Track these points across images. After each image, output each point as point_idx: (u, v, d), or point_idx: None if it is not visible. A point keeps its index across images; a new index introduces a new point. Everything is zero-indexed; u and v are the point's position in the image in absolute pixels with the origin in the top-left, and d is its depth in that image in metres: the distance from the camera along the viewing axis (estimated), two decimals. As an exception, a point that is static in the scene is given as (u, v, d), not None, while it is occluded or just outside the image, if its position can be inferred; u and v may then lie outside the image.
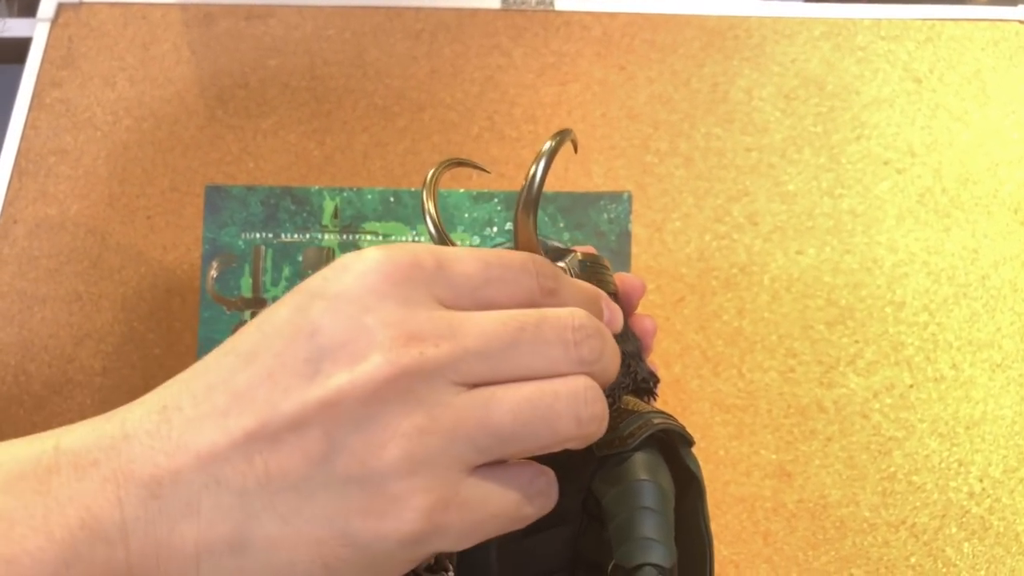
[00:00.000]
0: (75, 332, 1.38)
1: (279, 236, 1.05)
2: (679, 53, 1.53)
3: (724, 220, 1.42)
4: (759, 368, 1.36)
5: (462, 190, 1.14)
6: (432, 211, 0.70)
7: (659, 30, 1.54)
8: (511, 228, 1.11)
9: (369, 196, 1.06)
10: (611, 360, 0.47)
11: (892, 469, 1.36)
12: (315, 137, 1.50)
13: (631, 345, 0.73)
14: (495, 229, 1.15)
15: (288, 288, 1.08)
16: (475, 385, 0.42)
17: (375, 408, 0.38)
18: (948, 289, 1.40)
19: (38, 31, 1.55)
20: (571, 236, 1.09)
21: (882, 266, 1.42)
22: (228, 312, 1.06)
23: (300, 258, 1.04)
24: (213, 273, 1.05)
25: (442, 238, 0.69)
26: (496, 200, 1.10)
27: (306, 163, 1.44)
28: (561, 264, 0.69)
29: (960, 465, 1.34)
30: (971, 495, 1.33)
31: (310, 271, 1.05)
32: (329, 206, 1.04)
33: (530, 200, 0.60)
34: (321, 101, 1.52)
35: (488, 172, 0.76)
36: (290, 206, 1.05)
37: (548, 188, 1.32)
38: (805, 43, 1.51)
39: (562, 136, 0.61)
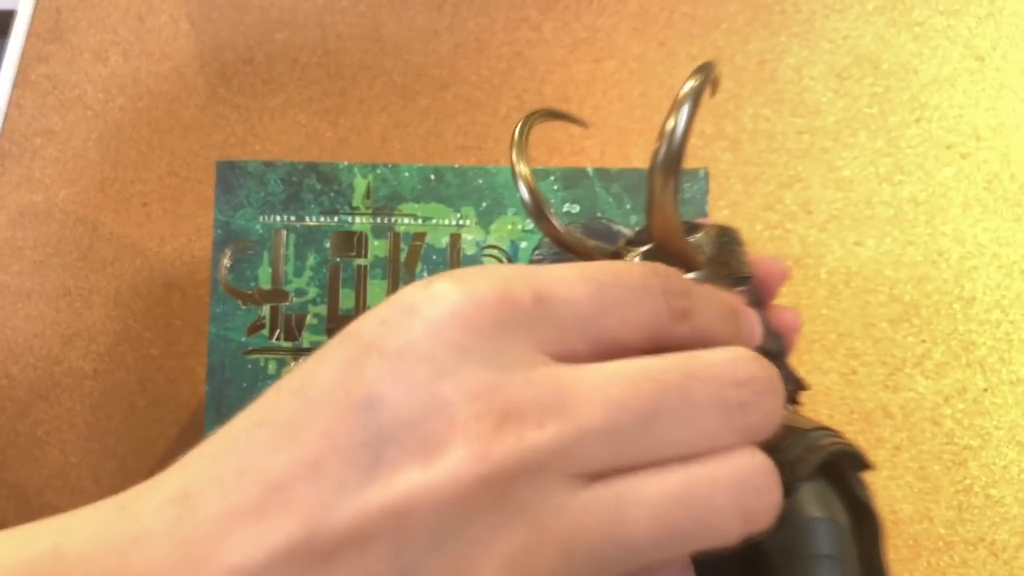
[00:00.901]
0: (63, 331, 1.25)
1: (303, 219, 0.92)
2: (722, 28, 1.42)
3: (776, 208, 1.30)
4: (818, 370, 1.24)
5: (506, 165, 1.02)
6: (525, 173, 0.58)
7: (700, 3, 1.42)
8: (569, 210, 0.99)
9: (407, 174, 0.94)
10: (777, 416, 0.34)
11: (968, 481, 1.25)
12: (328, 117, 1.37)
13: (774, 344, 0.61)
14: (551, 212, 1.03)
15: (314, 280, 0.95)
16: (598, 477, 0.30)
17: (460, 519, 0.28)
18: (1021, 284, 1.28)
19: (23, 1, 1.41)
20: (639, 220, 0.97)
21: (948, 259, 1.30)
22: (244, 307, 0.93)
23: (327, 244, 0.92)
24: (226, 262, 0.92)
25: (538, 208, 0.57)
26: (552, 178, 0.97)
27: (318, 145, 1.31)
28: (696, 237, 0.58)
29: (1039, 475, 1.23)
30: (1052, 508, 1.22)
31: (339, 259, 0.92)
32: (361, 184, 0.92)
33: (671, 160, 0.48)
34: (334, 78, 1.39)
35: (586, 126, 0.64)
36: (315, 185, 0.93)
37: (606, 163, 1.20)
38: (857, 18, 1.39)
39: (706, 71, 0.49)
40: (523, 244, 1.06)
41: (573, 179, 1.00)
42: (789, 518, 0.48)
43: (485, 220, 1.02)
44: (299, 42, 1.41)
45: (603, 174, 1.00)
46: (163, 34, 1.37)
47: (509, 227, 1.03)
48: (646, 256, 0.59)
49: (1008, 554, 1.23)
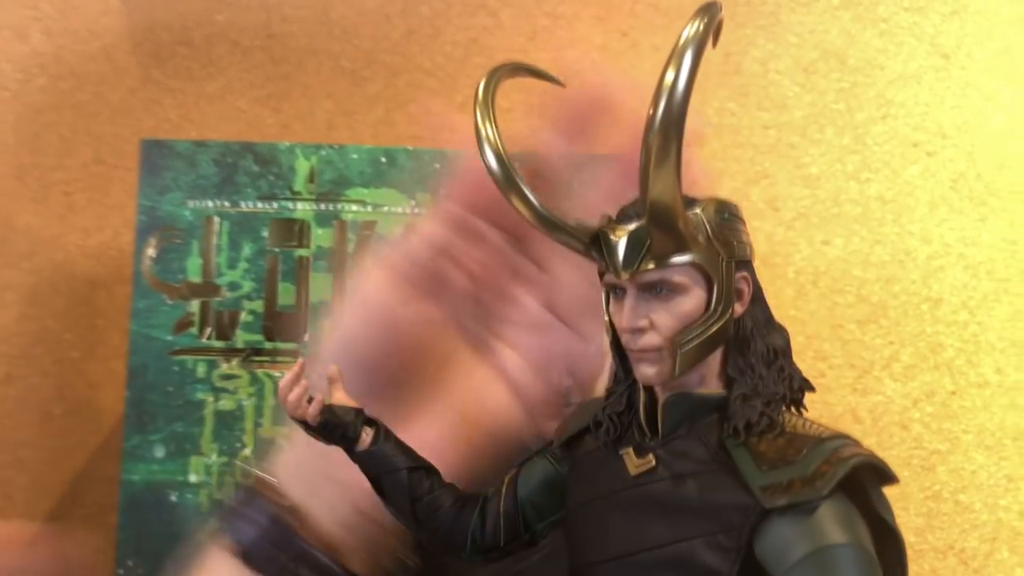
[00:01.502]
0: (-29, 331, 1.14)
1: (238, 205, 0.84)
2: (687, 18, 1.36)
3: (742, 205, 1.25)
4: (787, 372, 1.19)
5: (459, 151, 0.95)
6: (491, 137, 0.51)
7: (664, -6, 1.37)
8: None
9: (355, 156, 0.86)
10: None
11: (937, 487, 1.22)
12: (270, 103, 1.29)
13: (780, 339, 0.56)
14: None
15: (249, 272, 0.87)
16: None
17: None
18: (988, 284, 1.26)
19: (-68, -30, 1.29)
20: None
21: (916, 259, 1.27)
22: (171, 301, 0.84)
23: (265, 233, 0.83)
24: (151, 252, 0.83)
25: (509, 179, 0.50)
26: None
27: (259, 133, 1.22)
28: (694, 212, 0.52)
29: (1009, 481, 1.20)
30: (1022, 515, 1.19)
31: (278, 250, 0.84)
32: (303, 167, 0.84)
33: (671, 119, 0.43)
34: (278, 63, 1.30)
35: (562, 84, 0.57)
36: (252, 167, 0.85)
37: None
38: (824, 12, 1.36)
39: (709, 14, 0.43)
40: (482, 235, 1.00)
41: (526, 163, 0.94)
42: (810, 541, 0.42)
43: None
44: (241, 23, 1.32)
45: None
46: (90, 10, 1.26)
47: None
48: (636, 234, 0.52)
49: (978, 562, 1.20)
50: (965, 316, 1.25)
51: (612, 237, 0.53)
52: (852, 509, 0.43)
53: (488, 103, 0.50)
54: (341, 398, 0.76)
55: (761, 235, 1.25)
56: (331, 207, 0.86)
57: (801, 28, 1.37)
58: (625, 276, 0.53)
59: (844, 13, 1.38)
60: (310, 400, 0.63)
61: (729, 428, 0.52)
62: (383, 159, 0.88)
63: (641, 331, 0.53)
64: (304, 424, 0.72)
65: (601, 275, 0.57)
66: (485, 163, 0.46)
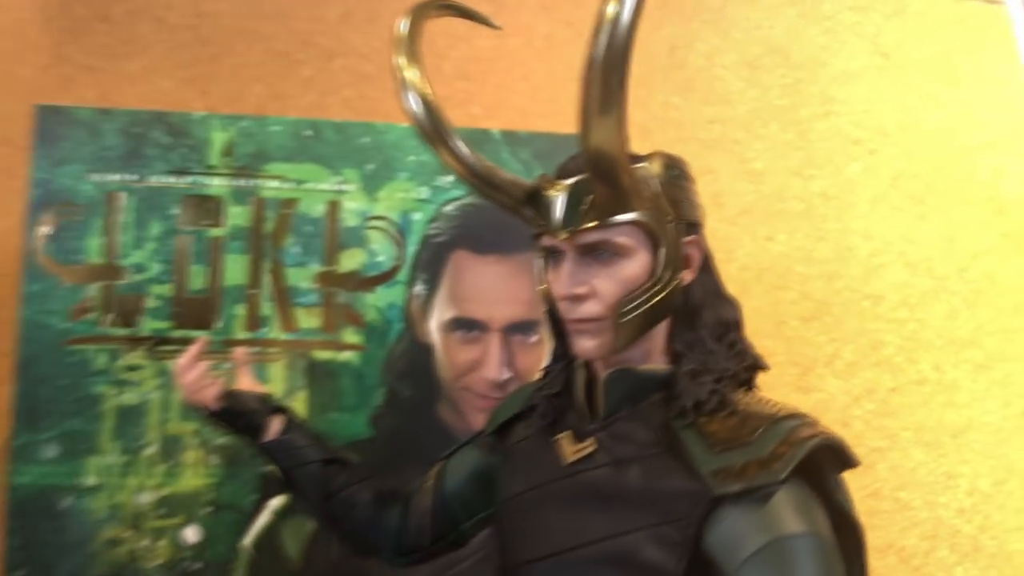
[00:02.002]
0: None
1: (146, 179, 0.77)
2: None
3: (686, 200, 1.24)
4: (730, 369, 1.17)
5: (405, 124, 0.89)
6: (415, 81, 0.46)
7: (610, -16, 1.33)
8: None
9: (276, 127, 0.80)
10: None
11: (877, 485, 1.20)
12: (197, 85, 1.21)
13: (731, 311, 0.52)
14: (450, 178, 0.89)
15: (157, 253, 0.79)
16: None
17: None
18: (927, 282, 1.26)
19: None
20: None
21: (857, 256, 1.26)
22: (67, 284, 0.77)
23: (175, 210, 0.76)
24: (45, 230, 0.76)
25: (436, 129, 0.45)
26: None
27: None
28: (640, 167, 0.48)
29: (948, 478, 1.20)
30: (961, 512, 1.19)
31: (189, 229, 0.77)
32: (219, 139, 0.78)
33: (615, 56, 0.38)
34: (206, 43, 1.23)
35: (498, 27, 0.53)
36: (163, 138, 0.78)
37: (517, 125, 1.08)
38: (769, 8, 1.34)
39: None
40: (416, 215, 0.93)
41: (475, 142, 0.88)
42: (765, 531, 0.38)
43: (371, 185, 0.90)
44: (166, 0, 1.25)
45: (511, 137, 0.89)
46: (-3, -22, 1.18)
47: (400, 195, 0.90)
48: (576, 189, 0.48)
49: (918, 560, 1.19)
50: (905, 313, 1.25)
51: (550, 192, 0.49)
52: (810, 495, 0.39)
53: (411, 43, 0.45)
54: (248, 383, 0.70)
55: (705, 230, 1.23)
56: (249, 183, 0.80)
57: (747, 23, 1.35)
58: (563, 236, 0.49)
59: (789, 10, 1.37)
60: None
61: (676, 407, 0.48)
62: (307, 132, 0.82)
63: (580, 299, 0.49)
64: (205, 411, 0.66)
65: (536, 238, 0.53)
66: (407, 110, 0.41)
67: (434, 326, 0.94)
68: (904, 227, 1.28)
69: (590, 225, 0.47)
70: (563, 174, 0.50)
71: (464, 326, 0.94)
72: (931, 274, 1.27)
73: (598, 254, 0.49)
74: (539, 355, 0.91)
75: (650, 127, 1.27)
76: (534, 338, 0.92)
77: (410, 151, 0.88)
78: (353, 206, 0.86)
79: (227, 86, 1.22)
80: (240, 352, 0.64)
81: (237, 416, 0.63)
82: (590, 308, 0.49)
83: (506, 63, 1.26)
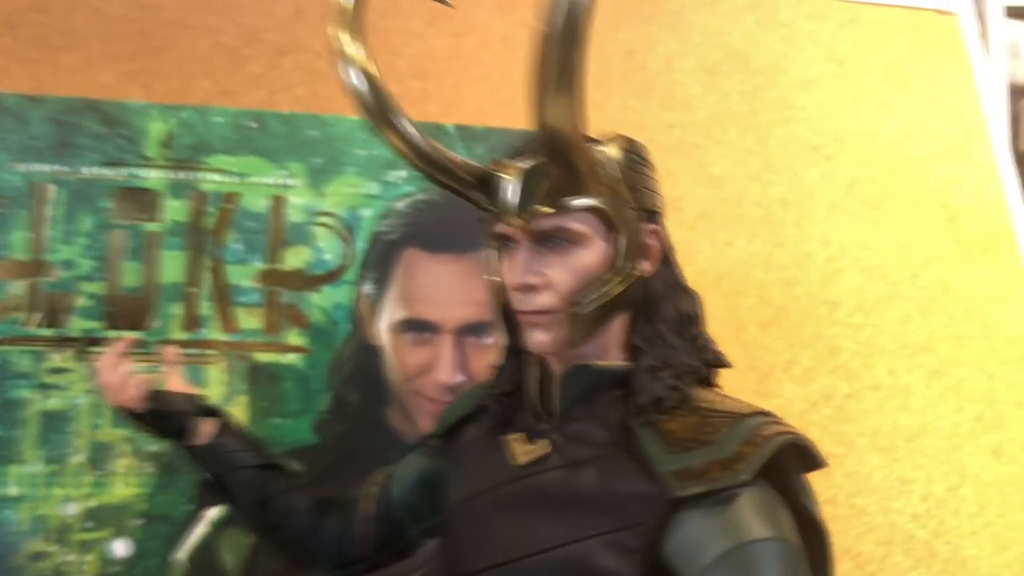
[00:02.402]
0: None
1: (77, 170, 0.73)
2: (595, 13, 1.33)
3: (644, 204, 1.22)
4: (688, 375, 1.15)
5: (355, 116, 0.85)
6: (358, 58, 0.43)
7: (568, -15, 1.32)
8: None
9: (218, 119, 0.76)
10: None
11: (833, 491, 1.20)
12: (139, 80, 1.16)
13: (691, 304, 0.49)
14: (402, 173, 0.86)
15: (89, 249, 0.74)
16: None
17: None
18: (881, 288, 1.26)
19: None
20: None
21: (815, 261, 1.26)
22: (-14, 279, 0.72)
23: (109, 203, 0.72)
24: (-37, 220, 0.71)
25: (381, 109, 0.42)
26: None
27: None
28: (598, 150, 0.46)
29: (903, 484, 1.20)
30: (915, 517, 1.19)
31: (123, 223, 0.73)
32: (157, 130, 0.73)
33: (573, 26, 0.36)
34: (149, 36, 1.18)
35: (452, 6, 0.51)
36: (96, 127, 0.73)
37: (475, 120, 1.04)
38: (728, 14, 1.35)
39: None
40: (366, 212, 0.89)
41: (428, 135, 0.87)
42: (729, 536, 0.35)
43: (318, 180, 0.85)
44: (108, -9, 1.20)
45: (466, 132, 0.87)
46: (-76, -37, 1.12)
47: (349, 190, 0.86)
48: (530, 172, 0.45)
49: (874, 566, 1.18)
50: (860, 319, 1.25)
51: (502, 176, 0.46)
52: (775, 497, 0.37)
53: (356, 16, 0.42)
54: (178, 384, 0.66)
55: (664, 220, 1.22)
56: (188, 176, 0.75)
57: (706, 28, 1.35)
58: (516, 222, 0.46)
59: (748, 16, 1.37)
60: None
61: (634, 405, 0.45)
62: (252, 124, 0.78)
63: (533, 289, 0.46)
64: (128, 413, 0.61)
65: (487, 225, 0.51)
66: (347, 85, 0.38)
67: (383, 327, 0.90)
68: (860, 233, 1.28)
69: (544, 210, 0.45)
70: (516, 157, 0.47)
71: (415, 327, 0.90)
72: (886, 280, 1.28)
73: (553, 242, 0.46)
74: (493, 358, 0.88)
75: (607, 130, 1.26)
76: (488, 340, 0.89)
77: (359, 144, 0.85)
78: (298, 201, 0.82)
79: (170, 81, 1.17)
80: (170, 351, 0.60)
81: (164, 418, 0.59)
82: (543, 299, 0.46)
83: (463, 63, 1.24)
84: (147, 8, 1.20)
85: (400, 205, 0.88)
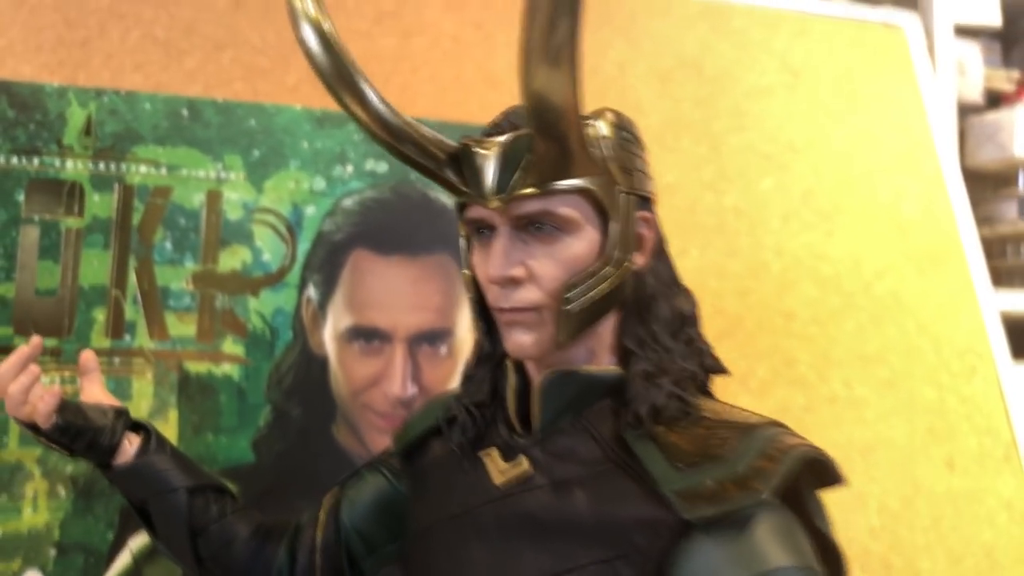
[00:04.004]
0: None
1: (-16, 159, 0.65)
2: (544, 17, 1.29)
3: (599, 211, 1.19)
4: (645, 387, 1.12)
5: (299, 106, 0.79)
6: (314, 15, 0.38)
7: (521, -13, 1.29)
8: (375, 170, 0.77)
9: (147, 105, 0.69)
10: None
11: (791, 505, 1.18)
12: (62, 72, 1.08)
13: (687, 302, 0.45)
14: (349, 169, 0.80)
15: (5, 256, 0.66)
16: None
17: None
18: (835, 299, 1.26)
19: None
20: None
21: (770, 271, 1.25)
22: None
23: (20, 196, 0.65)
24: None
25: (340, 71, 0.38)
26: (353, 125, 0.76)
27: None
28: (589, 124, 0.41)
29: (858, 498, 1.18)
30: (871, 531, 1.18)
31: (37, 218, 0.66)
32: (78, 116, 0.66)
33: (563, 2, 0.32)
34: (74, 26, 1.10)
35: None
36: (7, 112, 0.66)
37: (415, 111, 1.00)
38: (681, 20, 1.33)
39: None
40: (309, 209, 0.81)
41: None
42: (748, 568, 0.31)
43: (257, 174, 0.78)
44: (28, -24, 1.12)
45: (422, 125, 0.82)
46: None
47: (291, 185, 0.78)
48: (511, 146, 0.40)
49: (832, 583, 1.17)
50: (815, 330, 1.24)
51: (479, 151, 0.41)
52: (793, 519, 0.33)
53: None
54: (96, 394, 0.57)
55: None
56: (113, 167, 0.68)
57: (659, 35, 1.34)
58: (495, 204, 0.41)
59: (701, 23, 1.36)
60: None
61: (629, 415, 0.40)
62: (184, 111, 0.72)
63: (515, 282, 0.41)
64: (35, 429, 0.53)
65: (460, 210, 0.45)
66: (305, 48, 0.33)
67: (329, 335, 0.84)
68: (814, 244, 1.28)
69: (528, 191, 0.40)
70: (495, 131, 0.42)
71: (364, 335, 0.84)
72: (840, 291, 1.27)
73: (537, 229, 0.41)
74: (449, 369, 0.83)
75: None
76: (443, 349, 0.83)
77: (303, 136, 0.79)
78: (236, 197, 0.76)
79: (98, 74, 1.09)
80: (86, 355, 0.53)
81: (78, 435, 0.52)
82: (527, 295, 0.41)
83: (411, 63, 1.19)
84: (71, -5, 1.11)
85: (348, 202, 0.83)
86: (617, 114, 0.43)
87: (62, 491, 0.72)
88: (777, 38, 1.38)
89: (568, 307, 0.40)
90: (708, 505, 0.33)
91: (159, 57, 1.12)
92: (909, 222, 1.33)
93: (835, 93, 1.37)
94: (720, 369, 0.45)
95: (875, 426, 1.21)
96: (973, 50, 1.54)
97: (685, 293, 0.45)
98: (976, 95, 1.54)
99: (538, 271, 0.41)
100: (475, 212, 0.42)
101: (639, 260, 0.44)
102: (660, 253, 0.46)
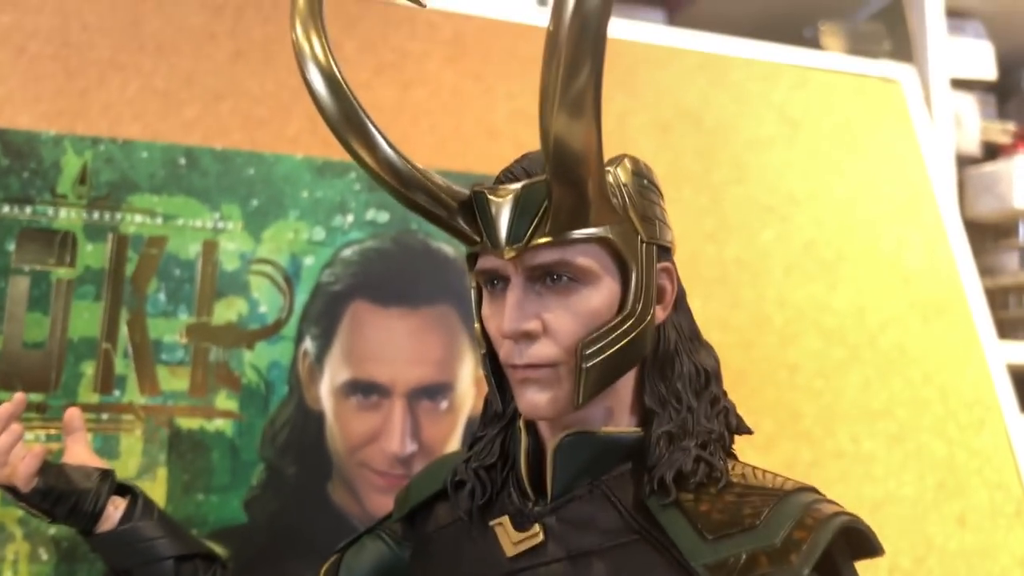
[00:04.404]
0: None
1: (-25, 208, 0.63)
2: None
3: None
4: (648, 442, 1.09)
5: (299, 155, 0.77)
6: (320, 54, 0.37)
7: (520, 39, 1.30)
8: (375, 219, 0.75)
9: (144, 154, 0.68)
10: None
11: (801, 565, 1.14)
12: (60, 121, 1.08)
13: (710, 358, 0.43)
14: (350, 218, 0.78)
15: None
16: None
17: None
18: (840, 352, 1.24)
19: None
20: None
21: (773, 323, 1.23)
22: None
23: (11, 247, 0.63)
24: None
25: (347, 115, 0.36)
26: (353, 175, 0.74)
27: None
28: (608, 170, 0.40)
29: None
30: (883, 594, 1.14)
31: (27, 268, 0.64)
32: (73, 164, 0.65)
33: (589, 19, 0.30)
34: (74, 76, 1.10)
35: (423, 6, 0.45)
36: (1, 160, 0.65)
37: None
38: (680, 73, 1.34)
39: None
40: (308, 260, 0.80)
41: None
42: None
43: (255, 224, 0.77)
44: (30, 27, 1.12)
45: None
46: None
47: (290, 235, 0.77)
48: (527, 193, 0.39)
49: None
50: (821, 384, 1.22)
51: (492, 199, 0.39)
52: None
53: (314, 9, 0.35)
54: (82, 455, 0.54)
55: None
56: (107, 216, 0.67)
57: (658, 86, 1.35)
58: (509, 254, 0.39)
59: (700, 76, 1.38)
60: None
61: (653, 481, 0.38)
62: (182, 160, 0.70)
63: (530, 337, 0.39)
64: (14, 492, 0.50)
65: (471, 260, 0.43)
66: (311, 91, 0.32)
67: (326, 390, 0.81)
68: (817, 296, 1.27)
69: (544, 241, 0.38)
70: (509, 178, 0.40)
71: (362, 390, 0.81)
72: (844, 343, 1.25)
73: (553, 281, 0.39)
74: (450, 425, 0.80)
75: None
76: (444, 404, 0.81)
77: (303, 186, 0.77)
78: (233, 247, 0.74)
79: (96, 124, 1.09)
80: (72, 413, 0.51)
81: (60, 499, 0.49)
82: (542, 350, 0.38)
83: (411, 114, 1.19)
84: (72, 47, 1.12)
85: (347, 253, 0.81)
86: (635, 161, 0.42)
87: (44, 554, 0.69)
88: (776, 90, 1.39)
89: (586, 364, 0.38)
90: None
91: (158, 107, 1.11)
92: (912, 272, 1.32)
93: (834, 145, 1.37)
94: (746, 429, 0.42)
95: (884, 482, 1.18)
96: (969, 102, 1.55)
97: (707, 348, 0.43)
98: (973, 147, 1.55)
99: (554, 325, 0.39)
100: (488, 263, 0.40)
101: (660, 313, 0.42)
102: (680, 306, 0.44)
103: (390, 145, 0.41)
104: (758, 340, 1.21)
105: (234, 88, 1.16)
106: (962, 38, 1.56)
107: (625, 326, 0.39)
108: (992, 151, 1.60)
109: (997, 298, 1.56)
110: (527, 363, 0.39)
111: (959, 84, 1.51)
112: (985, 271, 1.52)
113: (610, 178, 0.39)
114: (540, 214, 0.38)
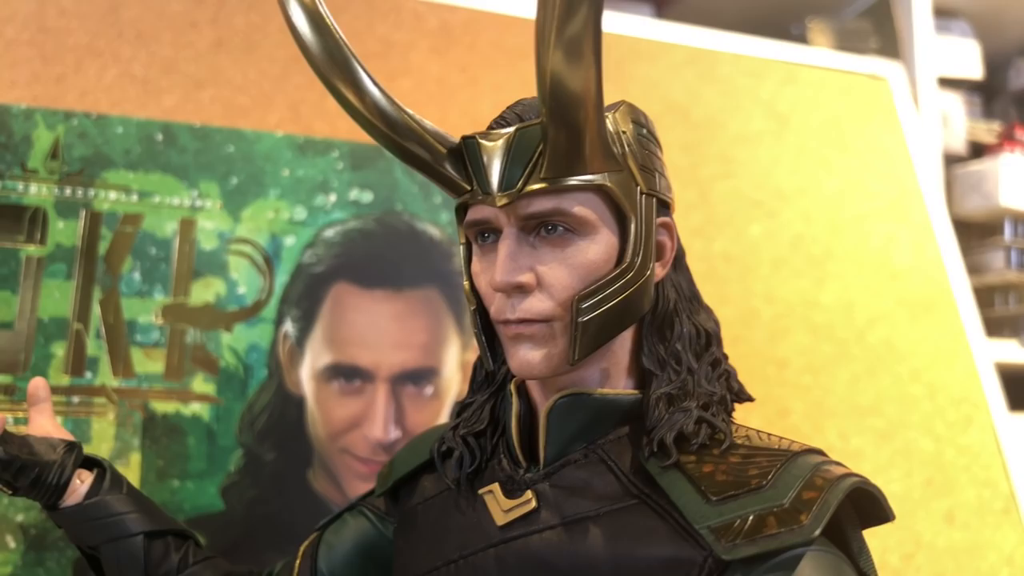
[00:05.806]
0: None
1: (-61, 182, 0.61)
2: (529, 60, 1.28)
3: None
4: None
5: (279, 132, 0.75)
6: (315, 10, 0.35)
7: (507, 31, 1.29)
8: (359, 199, 0.73)
9: (119, 129, 0.66)
10: None
11: (790, 561, 1.13)
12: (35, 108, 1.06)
13: (710, 319, 0.41)
14: (332, 198, 0.77)
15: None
16: None
17: None
18: (828, 348, 1.23)
19: None
20: (451, 218, 0.73)
21: (761, 318, 1.22)
22: None
23: (-23, 222, 0.61)
24: None
25: (330, 47, 0.34)
26: (337, 153, 0.72)
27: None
28: (607, 115, 0.38)
29: (859, 553, 1.14)
30: (872, 589, 1.13)
31: (-5, 244, 0.61)
32: (44, 138, 0.63)
33: None
34: (50, 62, 1.08)
35: None
36: (-35, 132, 0.62)
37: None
38: (667, 67, 1.34)
39: None
40: (289, 240, 0.77)
41: (365, 158, 0.77)
42: None
43: (234, 203, 0.74)
44: (6, 12, 1.10)
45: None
46: None
47: (270, 215, 0.75)
48: (521, 138, 0.37)
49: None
50: (809, 379, 1.21)
51: (484, 143, 0.38)
52: (842, 560, 0.29)
53: None
54: (46, 427, 0.51)
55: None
56: (80, 193, 0.64)
57: (646, 81, 1.34)
58: (502, 202, 0.37)
59: (687, 70, 1.37)
60: None
61: (652, 443, 0.36)
62: (159, 136, 0.68)
63: (523, 290, 0.37)
64: None
65: (461, 211, 0.41)
66: (294, 31, 0.30)
67: (306, 374, 0.79)
68: (805, 291, 1.26)
69: (538, 187, 0.36)
70: (500, 124, 0.39)
71: (344, 374, 0.79)
72: (832, 339, 1.24)
73: (548, 230, 0.37)
74: (434, 411, 0.78)
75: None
76: (428, 390, 0.79)
77: (283, 164, 0.75)
78: (211, 226, 0.72)
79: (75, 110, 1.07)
80: (36, 383, 0.48)
81: (22, 470, 0.46)
82: (536, 304, 0.36)
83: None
84: (48, 32, 1.09)
85: (329, 233, 0.79)
86: (634, 108, 0.40)
87: (11, 542, 0.66)
88: (764, 86, 1.38)
89: (582, 318, 0.36)
90: (748, 543, 0.29)
91: (136, 94, 1.09)
92: (900, 269, 1.32)
93: (822, 141, 1.37)
94: (748, 396, 0.41)
95: (872, 479, 1.17)
96: (956, 102, 1.56)
97: (707, 310, 0.41)
98: (959, 146, 1.55)
99: (548, 278, 0.37)
100: (479, 212, 0.38)
101: (659, 270, 0.40)
102: (680, 265, 0.43)
103: (377, 86, 0.39)
104: (746, 335, 1.20)
105: (215, 76, 1.14)
106: (949, 37, 1.56)
107: (623, 280, 0.37)
108: (978, 150, 1.61)
109: (983, 297, 1.56)
110: (520, 318, 0.37)
111: (946, 83, 1.52)
112: (971, 270, 1.52)
113: (609, 124, 0.38)
114: (535, 159, 0.36)
